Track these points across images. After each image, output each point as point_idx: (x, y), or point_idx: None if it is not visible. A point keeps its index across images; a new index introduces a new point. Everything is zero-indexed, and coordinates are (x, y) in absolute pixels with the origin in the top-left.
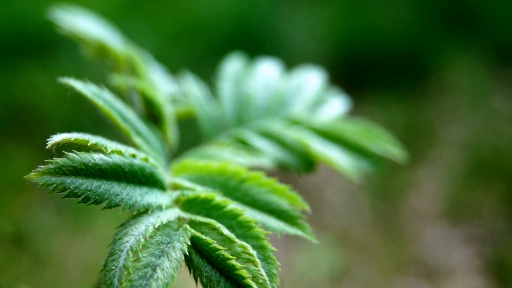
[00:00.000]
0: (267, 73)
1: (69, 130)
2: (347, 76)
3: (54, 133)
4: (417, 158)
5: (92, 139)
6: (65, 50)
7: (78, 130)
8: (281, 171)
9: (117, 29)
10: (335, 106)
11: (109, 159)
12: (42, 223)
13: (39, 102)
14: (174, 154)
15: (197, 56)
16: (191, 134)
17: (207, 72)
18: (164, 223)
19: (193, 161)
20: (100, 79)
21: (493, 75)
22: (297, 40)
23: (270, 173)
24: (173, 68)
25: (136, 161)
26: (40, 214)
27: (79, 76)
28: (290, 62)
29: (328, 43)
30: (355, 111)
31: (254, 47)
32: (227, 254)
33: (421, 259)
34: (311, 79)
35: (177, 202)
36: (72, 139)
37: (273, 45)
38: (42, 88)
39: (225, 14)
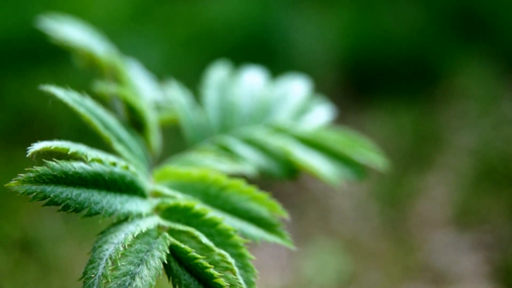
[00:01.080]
0: (252, 81)
1: (78, 136)
2: (356, 81)
3: (64, 139)
4: (425, 164)
5: (72, 147)
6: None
7: (86, 136)
8: (269, 180)
9: (124, 36)
10: (320, 115)
11: (89, 168)
12: (50, 230)
13: (49, 108)
14: (158, 161)
15: (207, 62)
16: (176, 141)
17: None
18: (143, 231)
19: (174, 168)
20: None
21: (503, 81)
22: (307, 46)
23: (257, 181)
24: (183, 74)
25: (117, 169)
26: (48, 221)
27: (89, 83)
28: (300, 68)
29: (337, 49)
30: (363, 117)
31: (265, 53)
32: (205, 263)
33: (429, 265)
34: (296, 88)
35: (157, 210)
36: (52, 148)
37: (284, 51)
38: (52, 95)
39: (235, 21)
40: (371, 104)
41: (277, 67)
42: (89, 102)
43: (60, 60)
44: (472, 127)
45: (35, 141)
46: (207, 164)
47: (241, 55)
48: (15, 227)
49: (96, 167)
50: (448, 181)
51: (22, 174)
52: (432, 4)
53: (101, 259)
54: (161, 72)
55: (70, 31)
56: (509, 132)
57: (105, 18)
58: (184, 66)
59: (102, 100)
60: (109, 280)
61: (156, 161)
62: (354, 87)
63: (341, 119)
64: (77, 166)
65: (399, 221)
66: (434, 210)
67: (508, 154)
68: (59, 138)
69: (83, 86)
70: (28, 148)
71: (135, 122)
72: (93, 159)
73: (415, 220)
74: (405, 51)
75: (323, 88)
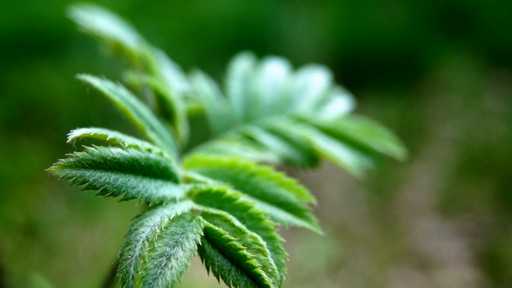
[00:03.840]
0: (274, 72)
1: (79, 125)
2: (345, 75)
3: (66, 128)
4: (411, 154)
5: (110, 134)
6: (77, 49)
7: (88, 125)
8: (285, 166)
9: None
10: (339, 105)
11: (127, 153)
12: (53, 214)
13: (51, 98)
14: (185, 149)
15: (203, 56)
16: (201, 130)
17: (212, 71)
18: (178, 214)
19: (203, 155)
20: (111, 76)
21: (485, 76)
22: (298, 41)
23: (276, 168)
24: (180, 67)
25: (152, 155)
26: (52, 205)
27: (91, 73)
28: (292, 62)
29: (327, 43)
30: (353, 109)
31: (258, 47)
32: (238, 245)
33: (415, 251)
34: (316, 79)
35: (190, 195)
36: (91, 134)
37: (276, 46)
38: (54, 85)
39: (230, 16)
40: (359, 97)
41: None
42: (123, 91)
43: (60, 52)
44: (455, 119)
45: (38, 130)
46: (234, 152)
47: (235, 49)
48: (19, 212)
49: (132, 153)
50: (432, 170)
51: (62, 159)
52: (418, 1)
53: (137, 241)
54: None
55: (100, 21)
56: (491, 124)
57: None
58: (182, 60)
59: (132, 90)
60: (146, 260)
61: (183, 149)
62: (344, 80)
63: None
64: (115, 151)
65: (386, 209)
66: (420, 198)
67: (490, 145)
68: (60, 127)
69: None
70: (68, 134)
71: (164, 111)
72: (129, 145)
73: (402, 208)
74: (392, 46)
75: None
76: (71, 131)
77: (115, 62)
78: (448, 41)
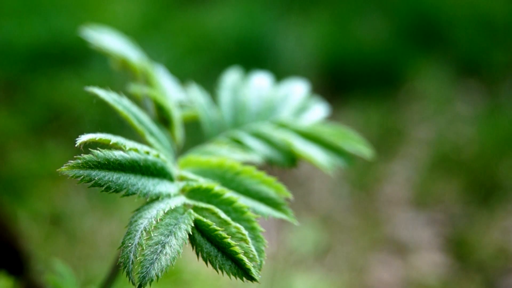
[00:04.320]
0: (259, 84)
1: (98, 129)
2: (332, 84)
3: (86, 131)
4: (390, 154)
5: (113, 138)
6: (97, 61)
7: (105, 128)
8: (271, 166)
9: (137, 45)
10: (316, 112)
11: (128, 155)
12: (75, 207)
13: (73, 105)
14: (181, 151)
15: (207, 67)
16: (196, 134)
17: (215, 81)
18: (172, 208)
19: (196, 156)
20: (124, 86)
21: (455, 84)
22: (291, 53)
23: (263, 168)
24: (185, 77)
25: (150, 157)
26: (74, 199)
27: (108, 83)
28: (284, 72)
29: (316, 55)
30: (338, 114)
31: (255, 59)
32: (223, 234)
33: (392, 238)
34: (296, 89)
35: (183, 191)
36: (97, 139)
37: (271, 57)
38: (76, 93)
39: (231, 32)
40: (344, 103)
41: (265, 71)
42: (125, 101)
43: (82, 64)
44: (429, 122)
45: (62, 133)
46: (223, 154)
47: (234, 61)
48: (45, 205)
49: (133, 155)
50: (408, 167)
51: (71, 161)
52: (396, 18)
53: (136, 231)
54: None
55: (108, 40)
56: (460, 127)
57: (119, 30)
58: (188, 70)
59: (135, 99)
60: (144, 248)
61: (179, 151)
62: (331, 88)
63: None
64: (117, 154)
65: (368, 201)
66: (397, 192)
67: (459, 145)
68: (81, 130)
69: (102, 85)
70: (76, 139)
71: (162, 118)
72: (130, 148)
73: (381, 200)
74: (373, 58)
75: None
76: (79, 136)
77: (127, 74)
78: (423, 54)
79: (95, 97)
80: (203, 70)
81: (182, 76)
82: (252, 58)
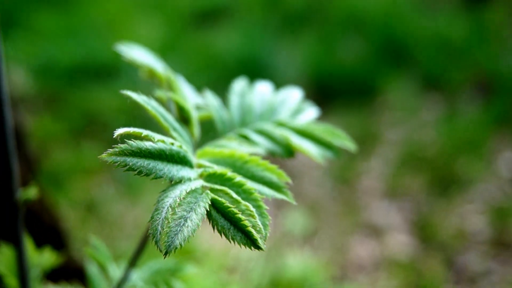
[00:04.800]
0: (262, 90)
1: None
2: (318, 94)
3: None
4: (367, 153)
5: (144, 132)
6: (123, 76)
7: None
8: (273, 158)
9: (160, 59)
10: (310, 114)
11: (156, 146)
12: (106, 196)
13: (104, 112)
14: (198, 145)
15: (214, 81)
16: (210, 131)
17: (221, 90)
18: (192, 189)
19: (211, 149)
20: (147, 93)
21: (420, 96)
22: (284, 69)
23: (266, 158)
24: (197, 87)
25: (174, 148)
26: (105, 189)
27: (134, 91)
28: (278, 83)
29: (305, 71)
30: (324, 119)
31: (254, 73)
32: (235, 210)
33: (369, 222)
34: (293, 95)
35: (201, 176)
36: (131, 132)
37: (267, 73)
38: (107, 103)
39: (234, 51)
40: (329, 110)
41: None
42: (154, 102)
43: (112, 78)
44: (399, 127)
45: (94, 135)
46: (233, 147)
47: (237, 75)
48: (82, 194)
49: (160, 145)
50: (382, 164)
51: (110, 149)
52: (371, 41)
53: (163, 207)
54: None
55: (138, 53)
56: (424, 131)
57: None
58: (199, 83)
59: (160, 102)
60: (170, 221)
61: (197, 145)
62: (317, 98)
63: None
64: (147, 144)
65: (348, 192)
66: (373, 185)
67: (423, 145)
68: (111, 133)
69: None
70: (114, 131)
71: (183, 118)
72: (158, 140)
73: (359, 191)
74: (353, 74)
75: None
76: (116, 129)
77: (151, 85)
78: (394, 70)
79: (129, 98)
80: (212, 84)
81: (196, 88)
82: (251, 74)
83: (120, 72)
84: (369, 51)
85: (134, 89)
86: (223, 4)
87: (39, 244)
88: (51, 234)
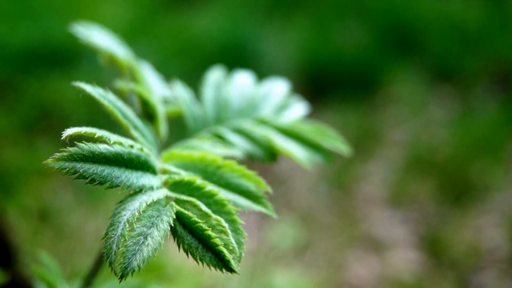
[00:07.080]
0: (242, 82)
1: (86, 126)
2: (312, 87)
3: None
4: (367, 155)
5: (98, 132)
6: (85, 62)
7: (93, 126)
8: (251, 161)
9: (124, 43)
10: (297, 110)
11: (112, 149)
12: (63, 203)
13: (62, 104)
14: (164, 145)
15: (190, 69)
16: (179, 129)
17: (198, 82)
18: (154, 200)
19: (179, 150)
20: (112, 84)
21: (430, 89)
22: (272, 57)
23: (246, 163)
24: (170, 79)
25: (134, 151)
26: (61, 195)
27: (95, 83)
28: (266, 75)
29: (297, 60)
30: (318, 116)
31: (239, 62)
32: (204, 226)
33: (369, 236)
34: (277, 88)
35: (165, 184)
36: (82, 132)
37: (253, 61)
38: (65, 93)
39: (215, 35)
40: (324, 105)
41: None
42: (111, 96)
43: (71, 64)
44: (404, 125)
45: (50, 131)
46: (205, 148)
47: (219, 63)
48: (34, 200)
49: (117, 148)
50: (384, 168)
51: (57, 153)
52: (373, 26)
53: (119, 222)
54: None
55: (97, 36)
56: (433, 130)
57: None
58: (172, 74)
59: (121, 95)
60: (126, 239)
61: (163, 145)
62: (311, 91)
63: None
64: (102, 147)
65: (346, 200)
66: (374, 191)
67: (432, 147)
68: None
69: (89, 83)
70: (63, 132)
71: (147, 113)
72: (115, 142)
73: (358, 199)
74: (352, 63)
75: None
76: (65, 129)
77: (116, 72)
78: (399, 60)
79: (82, 92)
80: (187, 73)
81: (167, 78)
82: (235, 62)
83: (81, 58)
84: (370, 38)
85: (98, 78)
86: None
87: None
88: None
